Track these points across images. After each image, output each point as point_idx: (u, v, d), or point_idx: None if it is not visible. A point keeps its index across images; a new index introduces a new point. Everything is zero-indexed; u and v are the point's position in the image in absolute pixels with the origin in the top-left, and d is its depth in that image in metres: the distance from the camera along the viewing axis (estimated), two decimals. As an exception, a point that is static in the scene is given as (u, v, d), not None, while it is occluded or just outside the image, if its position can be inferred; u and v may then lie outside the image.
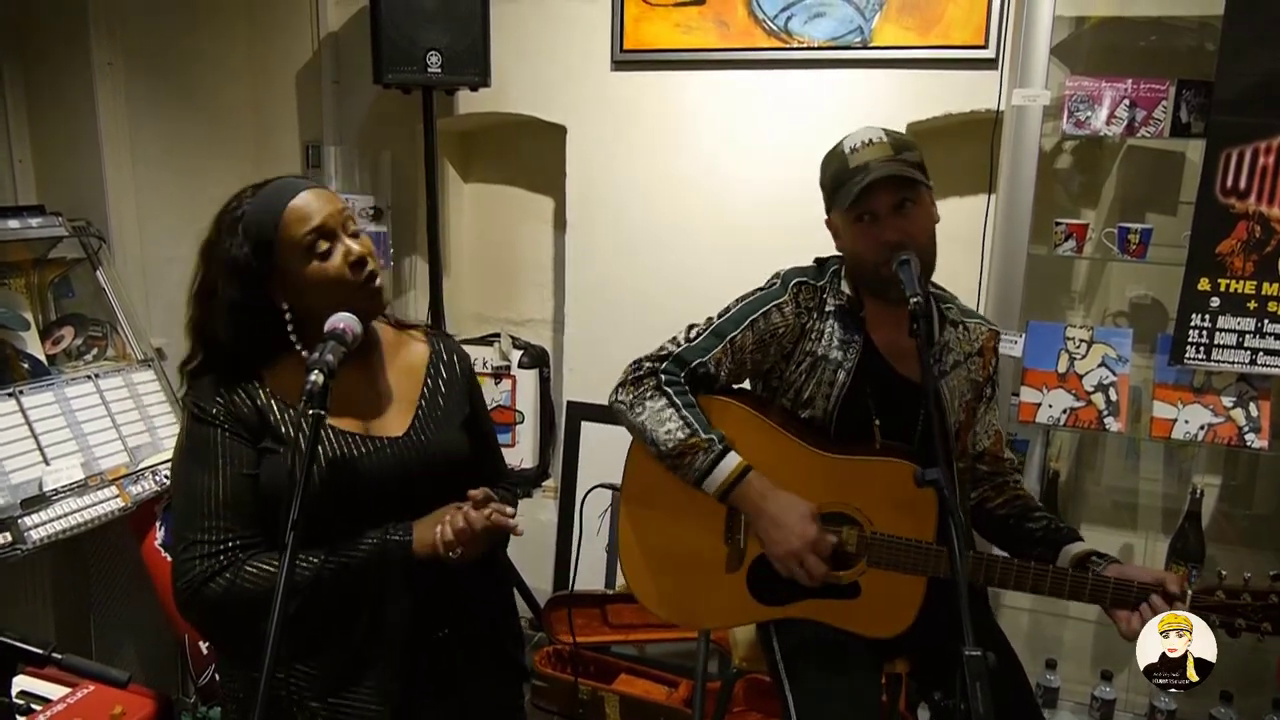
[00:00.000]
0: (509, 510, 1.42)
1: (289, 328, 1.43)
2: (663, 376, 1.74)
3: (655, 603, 1.84)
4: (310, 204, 1.40)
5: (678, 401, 1.70)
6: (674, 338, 1.79)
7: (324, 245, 1.39)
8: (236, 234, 1.38)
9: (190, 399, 1.43)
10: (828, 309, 1.76)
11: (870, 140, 1.67)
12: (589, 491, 2.84)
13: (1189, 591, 1.56)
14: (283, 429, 1.41)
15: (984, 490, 1.88)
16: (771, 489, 1.66)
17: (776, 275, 1.82)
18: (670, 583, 1.82)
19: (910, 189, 1.66)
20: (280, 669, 1.36)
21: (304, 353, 1.43)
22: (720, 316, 1.79)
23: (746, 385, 1.89)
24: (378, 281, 1.44)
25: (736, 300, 1.80)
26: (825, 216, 1.80)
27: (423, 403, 1.55)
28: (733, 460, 1.66)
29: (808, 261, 1.86)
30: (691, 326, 1.80)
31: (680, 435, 1.67)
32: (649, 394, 1.73)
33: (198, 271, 1.44)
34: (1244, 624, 1.55)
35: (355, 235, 1.44)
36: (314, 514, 1.26)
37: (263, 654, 1.09)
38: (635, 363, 1.79)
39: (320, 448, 1.38)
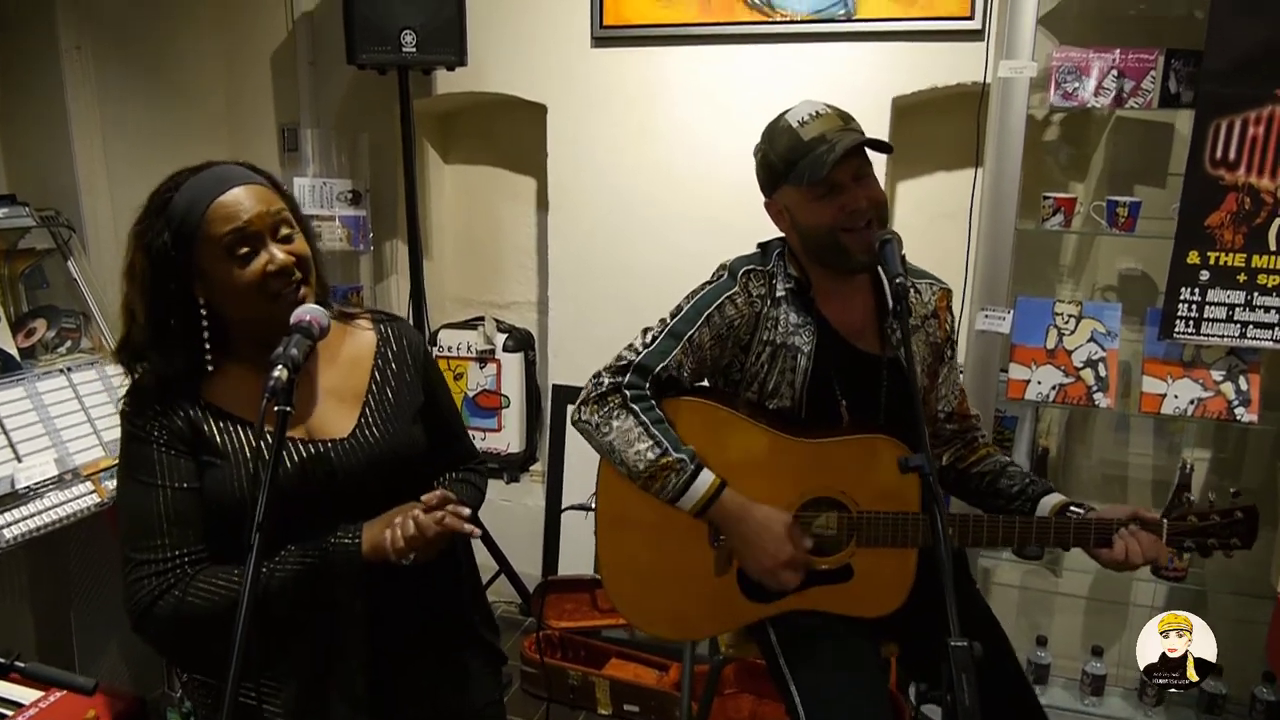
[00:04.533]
0: (464, 512, 1.33)
1: (204, 323, 1.34)
2: (628, 393, 1.66)
3: (651, 624, 1.79)
4: (239, 202, 1.30)
5: (645, 420, 1.64)
6: (630, 344, 1.72)
7: (244, 249, 1.30)
8: (161, 219, 1.30)
9: (126, 415, 1.36)
10: (779, 294, 1.71)
11: (817, 113, 1.63)
12: (567, 508, 2.93)
13: (1164, 521, 1.60)
14: (218, 441, 1.34)
15: (957, 449, 1.87)
16: (747, 504, 1.64)
17: (723, 266, 1.76)
18: (662, 599, 1.77)
19: (864, 158, 1.63)
20: (246, 681, 1.29)
21: (209, 358, 1.36)
22: (673, 317, 1.71)
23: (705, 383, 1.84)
24: (301, 293, 1.34)
25: (687, 297, 1.73)
26: (765, 200, 1.74)
27: (370, 398, 1.47)
28: (707, 479, 1.62)
29: None
30: (646, 330, 1.73)
31: (651, 456, 1.62)
32: (615, 413, 1.66)
33: (127, 249, 1.36)
34: (1215, 543, 1.61)
35: (287, 240, 1.34)
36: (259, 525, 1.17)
37: (223, 665, 1.04)
38: (596, 377, 1.71)
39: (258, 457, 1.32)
